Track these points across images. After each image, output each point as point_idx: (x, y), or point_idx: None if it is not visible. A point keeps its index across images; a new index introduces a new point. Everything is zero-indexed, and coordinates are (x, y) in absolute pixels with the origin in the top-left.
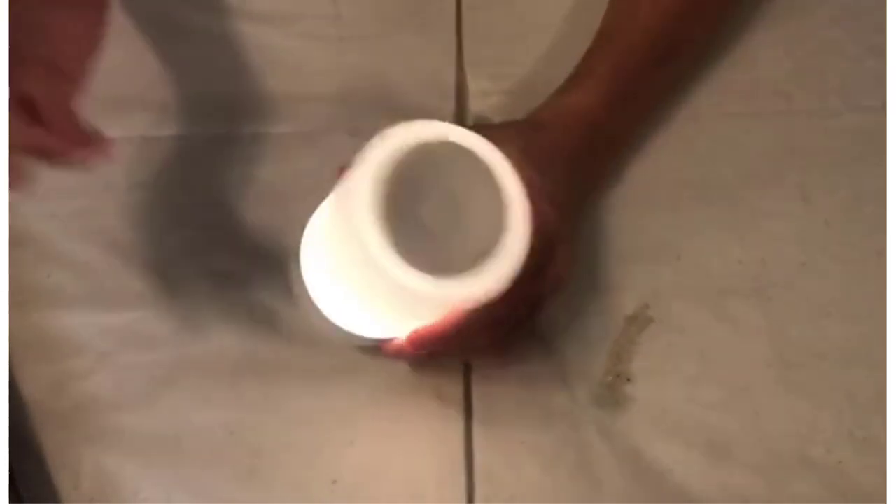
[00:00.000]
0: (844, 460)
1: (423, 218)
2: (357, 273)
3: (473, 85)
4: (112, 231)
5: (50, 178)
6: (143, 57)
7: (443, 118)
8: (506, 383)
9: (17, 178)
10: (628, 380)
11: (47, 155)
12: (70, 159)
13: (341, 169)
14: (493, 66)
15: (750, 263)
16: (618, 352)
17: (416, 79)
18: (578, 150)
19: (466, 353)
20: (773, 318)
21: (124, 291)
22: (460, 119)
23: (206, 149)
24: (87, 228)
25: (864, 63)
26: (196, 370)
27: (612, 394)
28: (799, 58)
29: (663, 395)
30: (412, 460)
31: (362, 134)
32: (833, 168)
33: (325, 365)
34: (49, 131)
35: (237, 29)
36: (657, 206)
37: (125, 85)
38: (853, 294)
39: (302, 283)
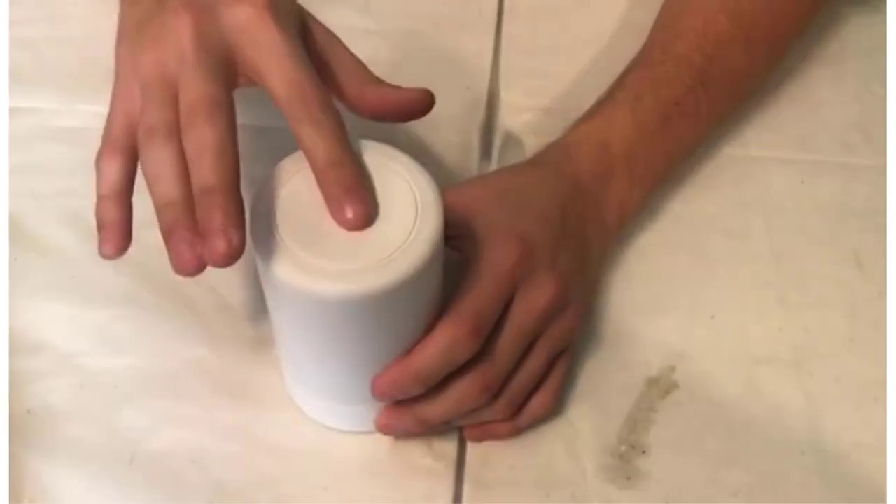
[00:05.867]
0: None
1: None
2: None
3: (507, 98)
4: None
5: (32, 152)
6: None
7: (468, 130)
8: (504, 442)
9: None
10: (643, 452)
11: None
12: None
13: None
14: (529, 79)
15: (792, 331)
16: (635, 418)
17: (443, 84)
18: (586, 179)
19: (465, 416)
20: (812, 396)
21: (101, 285)
22: (487, 132)
23: None
24: (67, 212)
25: None
26: (167, 384)
27: (624, 466)
28: (866, 104)
29: (681, 474)
30: None
31: (373, 136)
32: (893, 234)
33: None
34: None
35: None
36: (693, 255)
37: None
38: None
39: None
